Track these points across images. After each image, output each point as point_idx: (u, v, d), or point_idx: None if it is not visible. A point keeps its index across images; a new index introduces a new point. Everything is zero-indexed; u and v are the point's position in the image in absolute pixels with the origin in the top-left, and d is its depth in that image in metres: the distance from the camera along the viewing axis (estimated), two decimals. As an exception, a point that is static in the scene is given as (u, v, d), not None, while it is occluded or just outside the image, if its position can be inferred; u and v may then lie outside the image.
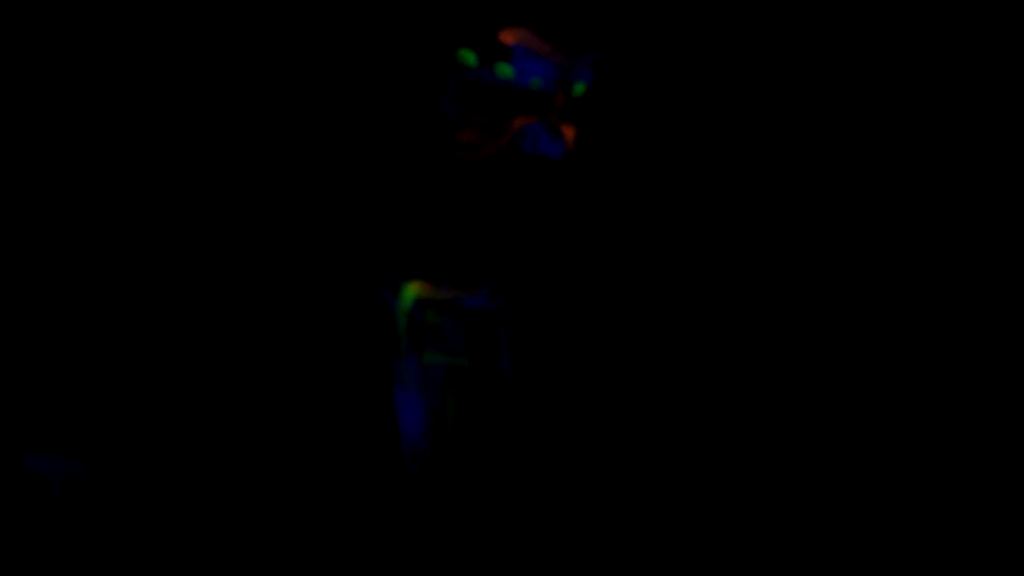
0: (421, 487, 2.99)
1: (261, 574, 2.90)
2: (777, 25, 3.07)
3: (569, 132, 3.08)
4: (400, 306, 3.06)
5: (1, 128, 2.98)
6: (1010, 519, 2.86)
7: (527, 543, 2.95)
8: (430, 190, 3.07)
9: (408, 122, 3.04)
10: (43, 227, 2.98)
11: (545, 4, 3.04)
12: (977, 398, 2.95)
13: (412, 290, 3.06)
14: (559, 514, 2.97)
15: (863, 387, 2.99)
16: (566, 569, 2.93)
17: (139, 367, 3.00)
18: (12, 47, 2.96)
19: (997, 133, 2.99)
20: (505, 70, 2.99)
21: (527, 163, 3.06)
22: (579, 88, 3.07)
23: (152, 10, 3.01)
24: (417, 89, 3.02)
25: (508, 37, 3.01)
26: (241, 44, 3.04)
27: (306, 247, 3.07)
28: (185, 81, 3.03)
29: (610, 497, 2.99)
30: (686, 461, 3.00)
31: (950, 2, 2.99)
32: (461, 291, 3.08)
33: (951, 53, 3.01)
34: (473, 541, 2.95)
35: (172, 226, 3.04)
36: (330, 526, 2.95)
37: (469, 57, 2.98)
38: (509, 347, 3.06)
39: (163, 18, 3.02)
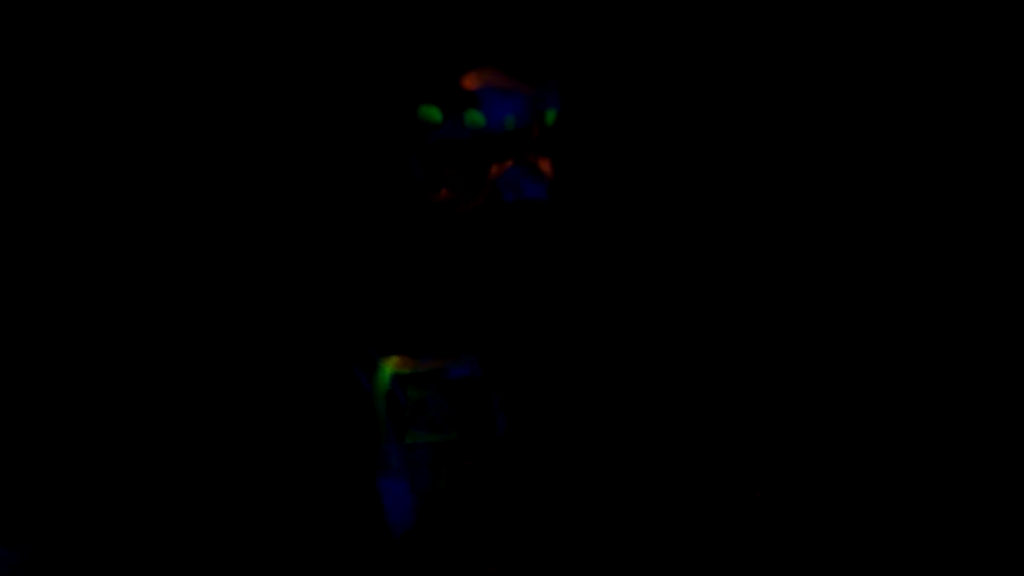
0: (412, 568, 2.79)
1: None
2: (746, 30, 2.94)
3: (545, 164, 2.86)
4: (378, 385, 2.84)
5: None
6: (1010, 519, 2.82)
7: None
8: (402, 257, 2.85)
9: (378, 190, 2.81)
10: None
11: (491, 39, 2.81)
12: (977, 398, 2.90)
13: (390, 366, 2.85)
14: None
15: (862, 388, 2.93)
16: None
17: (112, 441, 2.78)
18: (12, 47, 2.79)
19: (997, 133, 2.93)
20: (475, 117, 2.73)
21: (510, 213, 2.84)
22: (550, 116, 2.85)
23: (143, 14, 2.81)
24: (382, 155, 2.79)
25: (472, 81, 2.76)
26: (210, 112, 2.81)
27: (275, 329, 2.85)
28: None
29: (610, 565, 2.80)
30: (681, 522, 2.83)
31: (950, 2, 2.91)
32: (444, 361, 2.87)
33: (951, 53, 2.93)
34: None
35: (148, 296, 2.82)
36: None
37: (432, 113, 2.72)
38: (501, 412, 2.86)
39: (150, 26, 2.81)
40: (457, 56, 2.77)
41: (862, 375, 2.93)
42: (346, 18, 2.80)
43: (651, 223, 2.95)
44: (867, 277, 2.95)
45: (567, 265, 2.89)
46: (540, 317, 2.87)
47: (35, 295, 2.80)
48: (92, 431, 2.79)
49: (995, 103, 2.92)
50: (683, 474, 2.88)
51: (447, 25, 2.78)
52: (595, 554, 2.83)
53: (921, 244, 2.94)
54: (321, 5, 2.82)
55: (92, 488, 2.77)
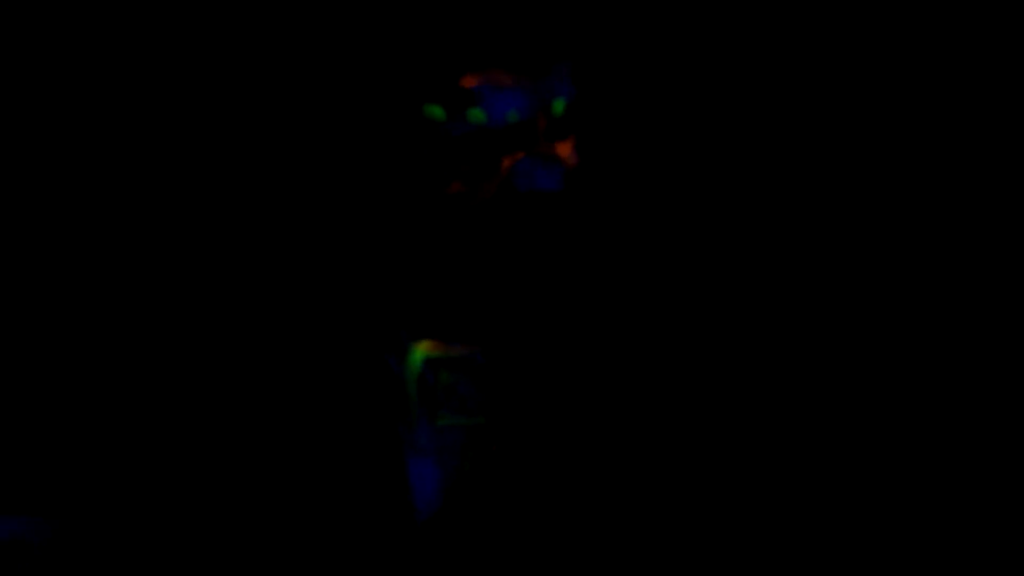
0: (437, 553, 2.84)
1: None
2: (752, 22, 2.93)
3: (564, 150, 2.88)
4: (409, 369, 2.90)
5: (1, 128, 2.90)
6: (1010, 519, 2.80)
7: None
8: (428, 246, 2.91)
9: (392, 184, 2.87)
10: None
11: (491, 33, 2.84)
12: (977, 398, 2.87)
13: (421, 351, 2.91)
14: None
15: (860, 390, 2.90)
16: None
17: (129, 430, 2.89)
18: (12, 47, 2.88)
19: (997, 133, 2.91)
20: (477, 114, 2.81)
21: (525, 202, 2.87)
22: (559, 106, 2.88)
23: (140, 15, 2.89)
24: (392, 151, 2.85)
25: (470, 80, 2.83)
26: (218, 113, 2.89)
27: (307, 316, 2.93)
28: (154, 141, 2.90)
29: (631, 556, 2.82)
30: (698, 514, 2.83)
31: (950, 2, 2.89)
32: (473, 347, 2.92)
33: (951, 53, 2.91)
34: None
35: (173, 286, 2.92)
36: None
37: (436, 111, 2.79)
38: (525, 399, 2.90)
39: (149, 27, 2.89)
40: (457, 52, 2.82)
41: (864, 375, 2.91)
42: (355, 16, 2.87)
43: (666, 214, 2.94)
44: (867, 280, 2.94)
45: (581, 255, 2.91)
46: (553, 307, 2.90)
47: (66, 295, 2.91)
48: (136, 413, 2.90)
49: (995, 103, 2.90)
50: (694, 471, 2.89)
51: (447, 21, 2.83)
52: (609, 549, 2.86)
53: (924, 244, 2.93)
54: (329, 9, 2.89)
55: (133, 467, 2.88)
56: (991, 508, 2.82)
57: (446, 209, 2.84)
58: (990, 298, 2.90)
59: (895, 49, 2.91)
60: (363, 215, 2.89)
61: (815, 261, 2.93)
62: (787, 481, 2.86)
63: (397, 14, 2.84)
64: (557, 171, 2.88)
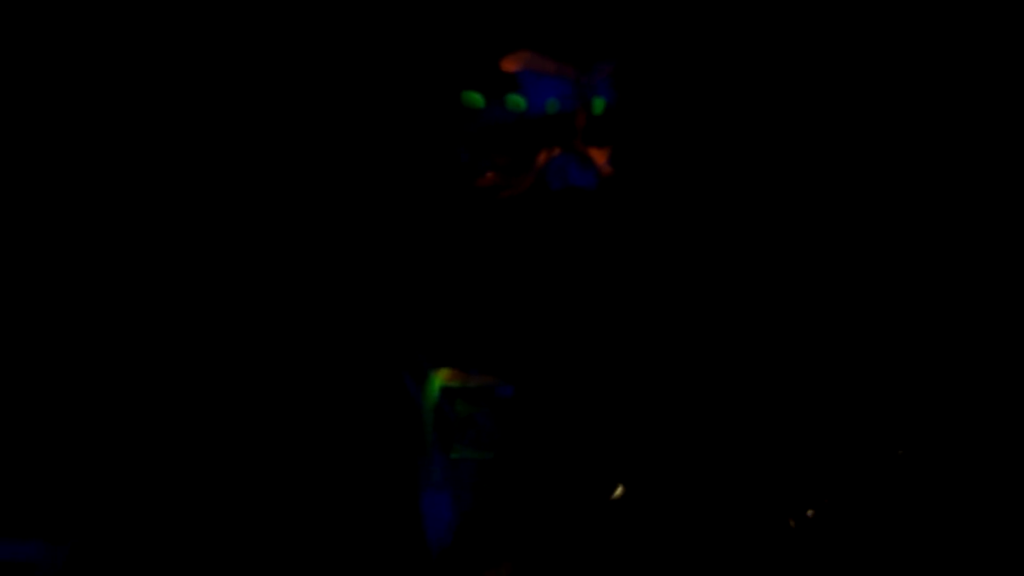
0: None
1: None
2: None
3: (600, 157, 2.79)
4: (427, 396, 2.81)
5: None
6: (1010, 519, 2.74)
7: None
8: (457, 257, 2.83)
9: (424, 181, 2.80)
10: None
11: (539, 19, 2.77)
12: (977, 398, 2.83)
13: (440, 378, 2.81)
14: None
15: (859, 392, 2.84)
16: None
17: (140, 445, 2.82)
18: (12, 47, 2.84)
19: (997, 133, 2.87)
20: (517, 100, 2.70)
21: (559, 202, 2.78)
22: (599, 104, 2.78)
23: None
24: (427, 144, 2.78)
25: (511, 64, 2.72)
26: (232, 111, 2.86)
27: (326, 330, 2.86)
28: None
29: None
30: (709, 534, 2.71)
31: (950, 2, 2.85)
32: (494, 379, 2.82)
33: (950, 53, 2.87)
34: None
35: (179, 303, 2.87)
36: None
37: (475, 98, 2.71)
38: (542, 435, 2.79)
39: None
40: (498, 39, 2.74)
41: (865, 375, 2.85)
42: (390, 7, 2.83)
43: (698, 220, 2.86)
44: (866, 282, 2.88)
45: (615, 269, 2.82)
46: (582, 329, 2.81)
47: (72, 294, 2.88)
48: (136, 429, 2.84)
49: (995, 103, 2.86)
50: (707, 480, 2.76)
51: (489, 8, 2.77)
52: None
53: (921, 244, 2.88)
54: None
55: (131, 486, 2.82)
56: (991, 508, 2.75)
57: (477, 207, 2.74)
58: (990, 298, 2.85)
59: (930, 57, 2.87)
60: (391, 221, 2.82)
61: (849, 269, 2.88)
62: (799, 489, 2.76)
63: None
64: (592, 171, 2.79)
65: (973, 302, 2.85)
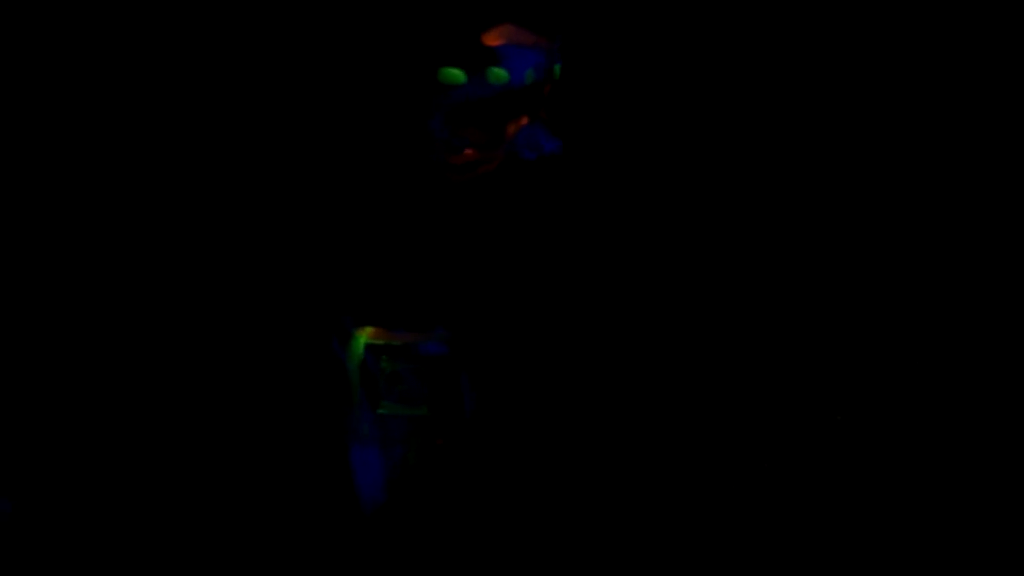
0: (381, 542, 2.80)
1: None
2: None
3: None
4: (352, 355, 2.79)
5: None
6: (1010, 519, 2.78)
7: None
8: (388, 219, 2.77)
9: (401, 155, 2.73)
10: None
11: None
12: (977, 398, 2.84)
13: (364, 337, 2.79)
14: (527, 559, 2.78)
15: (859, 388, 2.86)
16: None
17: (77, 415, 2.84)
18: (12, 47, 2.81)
19: (997, 133, 2.83)
20: (499, 74, 2.65)
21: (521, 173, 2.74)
22: (556, 70, 2.77)
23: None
24: (401, 120, 2.69)
25: (493, 39, 2.65)
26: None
27: (248, 292, 2.82)
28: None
29: (579, 542, 2.78)
30: (659, 506, 2.76)
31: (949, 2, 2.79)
32: (419, 335, 2.79)
33: (949, 53, 2.83)
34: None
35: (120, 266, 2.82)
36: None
37: (455, 75, 2.61)
38: (472, 392, 2.79)
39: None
40: (475, 14, 2.66)
41: (859, 375, 2.85)
42: None
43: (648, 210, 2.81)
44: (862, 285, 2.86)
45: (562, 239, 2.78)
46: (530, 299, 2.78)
47: None
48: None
49: (995, 103, 2.80)
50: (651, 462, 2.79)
51: None
52: (560, 539, 2.79)
53: (920, 244, 2.86)
54: None
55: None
56: (991, 508, 2.79)
57: (453, 179, 2.69)
58: (990, 298, 2.85)
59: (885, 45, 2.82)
60: (333, 191, 2.76)
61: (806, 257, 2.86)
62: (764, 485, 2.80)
63: None
64: (558, 138, 2.75)
65: (973, 302, 2.84)
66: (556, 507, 2.79)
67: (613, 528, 2.78)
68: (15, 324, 2.80)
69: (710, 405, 2.80)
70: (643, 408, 2.79)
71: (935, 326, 2.84)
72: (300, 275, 2.80)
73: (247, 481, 2.83)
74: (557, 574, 2.76)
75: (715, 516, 2.77)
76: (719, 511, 2.77)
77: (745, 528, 2.77)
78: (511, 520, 2.79)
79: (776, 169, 2.86)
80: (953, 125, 2.83)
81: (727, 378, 2.81)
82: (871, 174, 2.85)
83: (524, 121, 2.72)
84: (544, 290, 2.78)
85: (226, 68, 2.80)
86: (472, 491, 2.79)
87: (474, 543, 2.79)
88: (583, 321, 2.79)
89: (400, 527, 2.80)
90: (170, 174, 2.82)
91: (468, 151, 2.70)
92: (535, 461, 2.79)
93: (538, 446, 2.80)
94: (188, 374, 2.83)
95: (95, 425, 2.83)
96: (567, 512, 2.78)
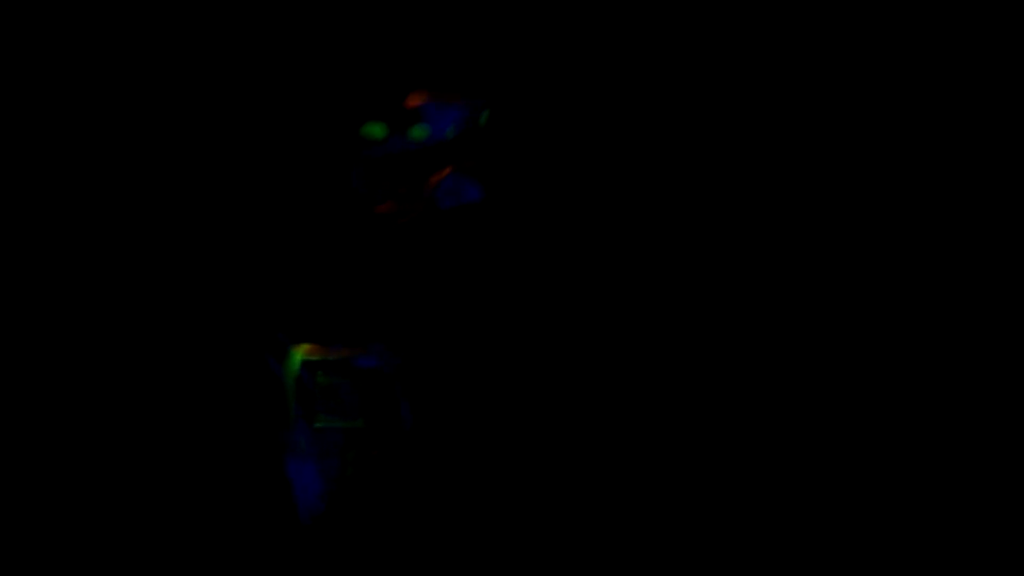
0: (319, 556, 2.86)
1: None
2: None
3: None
4: (287, 371, 2.90)
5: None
6: (1010, 519, 2.81)
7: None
8: (317, 247, 2.90)
9: (320, 200, 2.86)
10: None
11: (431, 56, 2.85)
12: (977, 398, 2.87)
13: (300, 353, 2.90)
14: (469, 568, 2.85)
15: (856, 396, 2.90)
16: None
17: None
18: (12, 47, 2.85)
19: (997, 133, 2.90)
20: (419, 132, 2.82)
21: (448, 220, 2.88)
22: (484, 117, 2.91)
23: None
24: (326, 170, 2.84)
25: (416, 100, 2.83)
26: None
27: (186, 313, 2.91)
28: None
29: (523, 548, 2.86)
30: (603, 517, 2.85)
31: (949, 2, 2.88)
32: (353, 350, 2.92)
33: (948, 53, 2.90)
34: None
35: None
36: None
37: (376, 130, 2.78)
38: (407, 404, 2.90)
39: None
40: (399, 73, 2.82)
41: (851, 375, 2.91)
42: (297, 40, 2.84)
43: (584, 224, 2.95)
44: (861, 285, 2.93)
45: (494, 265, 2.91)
46: (459, 314, 2.91)
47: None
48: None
49: (995, 103, 2.88)
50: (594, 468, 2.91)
51: (391, 44, 2.81)
52: (501, 542, 2.88)
53: (922, 244, 2.91)
54: (275, 26, 2.86)
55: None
56: (991, 508, 2.82)
57: (374, 228, 2.83)
58: (990, 299, 2.88)
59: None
60: (262, 217, 2.87)
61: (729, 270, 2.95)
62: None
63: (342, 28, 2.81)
64: (478, 185, 2.88)
65: (973, 302, 2.87)
66: (495, 514, 2.88)
67: (553, 531, 2.87)
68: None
69: (659, 418, 2.91)
70: (580, 418, 2.92)
71: (935, 326, 2.88)
72: (236, 293, 2.91)
73: (185, 495, 2.88)
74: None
75: (680, 516, 2.88)
76: (684, 511, 2.88)
77: (722, 526, 2.86)
78: (449, 529, 2.88)
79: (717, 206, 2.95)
80: (953, 125, 2.88)
81: (681, 388, 2.93)
82: (848, 174, 2.91)
83: (446, 172, 2.87)
84: (478, 302, 2.90)
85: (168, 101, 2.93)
86: (411, 500, 2.89)
87: (412, 551, 2.87)
88: (513, 333, 2.92)
89: (338, 537, 2.87)
90: (112, 191, 2.91)
91: (389, 203, 2.86)
92: (473, 470, 2.90)
93: (475, 455, 2.91)
94: (124, 391, 2.89)
95: (37, 435, 2.87)
96: (507, 519, 2.88)
